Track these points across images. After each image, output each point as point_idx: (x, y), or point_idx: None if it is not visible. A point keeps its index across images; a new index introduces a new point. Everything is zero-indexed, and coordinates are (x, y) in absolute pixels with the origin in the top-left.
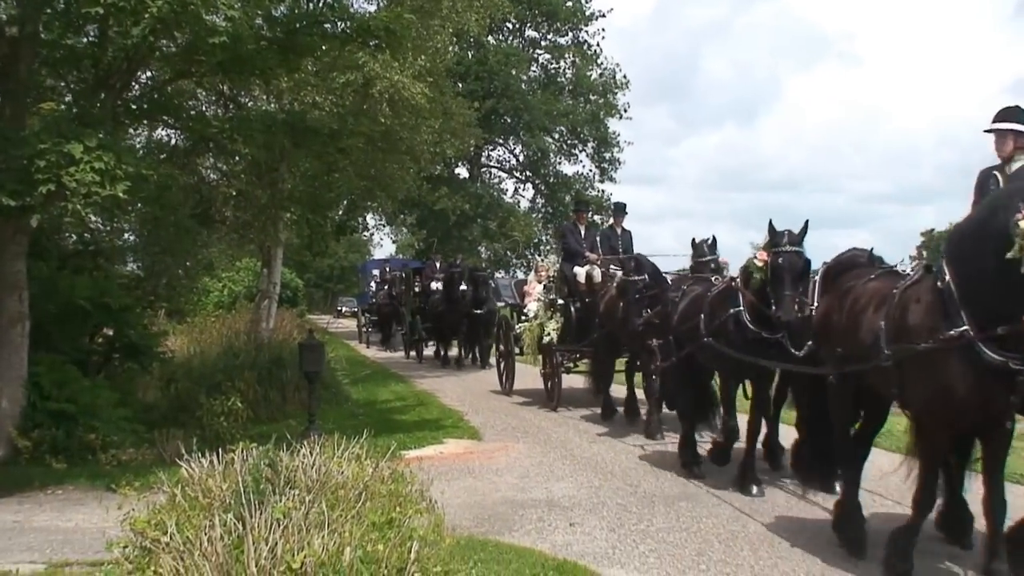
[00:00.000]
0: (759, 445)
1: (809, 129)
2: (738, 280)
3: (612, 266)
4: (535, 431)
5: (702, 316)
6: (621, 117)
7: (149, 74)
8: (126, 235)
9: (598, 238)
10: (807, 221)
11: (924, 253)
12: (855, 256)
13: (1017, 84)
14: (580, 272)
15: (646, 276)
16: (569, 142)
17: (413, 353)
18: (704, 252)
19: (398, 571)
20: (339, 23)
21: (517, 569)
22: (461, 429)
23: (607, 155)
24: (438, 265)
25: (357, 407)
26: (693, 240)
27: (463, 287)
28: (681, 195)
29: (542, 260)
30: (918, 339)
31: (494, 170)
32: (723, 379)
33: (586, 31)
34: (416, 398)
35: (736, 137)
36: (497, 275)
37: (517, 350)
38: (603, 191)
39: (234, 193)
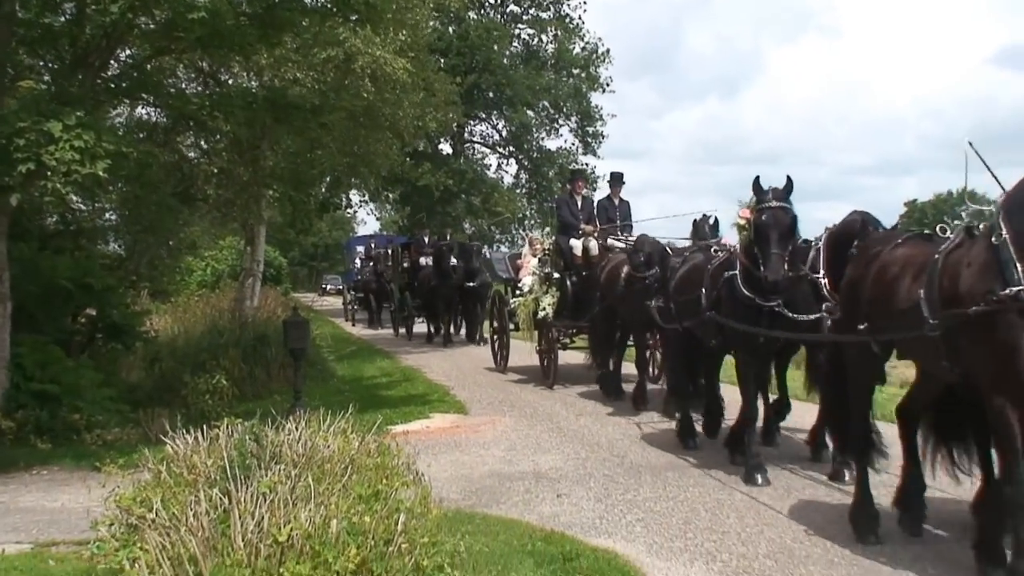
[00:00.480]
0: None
1: (791, 102)
2: (737, 250)
3: (610, 237)
4: (522, 405)
5: (703, 290)
6: (604, 91)
7: (128, 52)
8: (107, 215)
9: (595, 209)
10: (789, 177)
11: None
12: (853, 222)
13: (1000, 55)
14: (576, 245)
15: (656, 269)
16: (552, 116)
17: (403, 330)
18: (705, 233)
19: (385, 542)
20: None
21: (505, 540)
22: (447, 404)
23: (590, 129)
24: (426, 240)
25: (343, 383)
26: (694, 221)
27: (453, 261)
28: (664, 169)
29: (538, 233)
30: (972, 305)
31: (477, 146)
32: (737, 358)
33: (568, 4)
34: (402, 374)
35: (719, 110)
36: (489, 248)
37: (512, 326)
38: (586, 165)
39: (215, 171)
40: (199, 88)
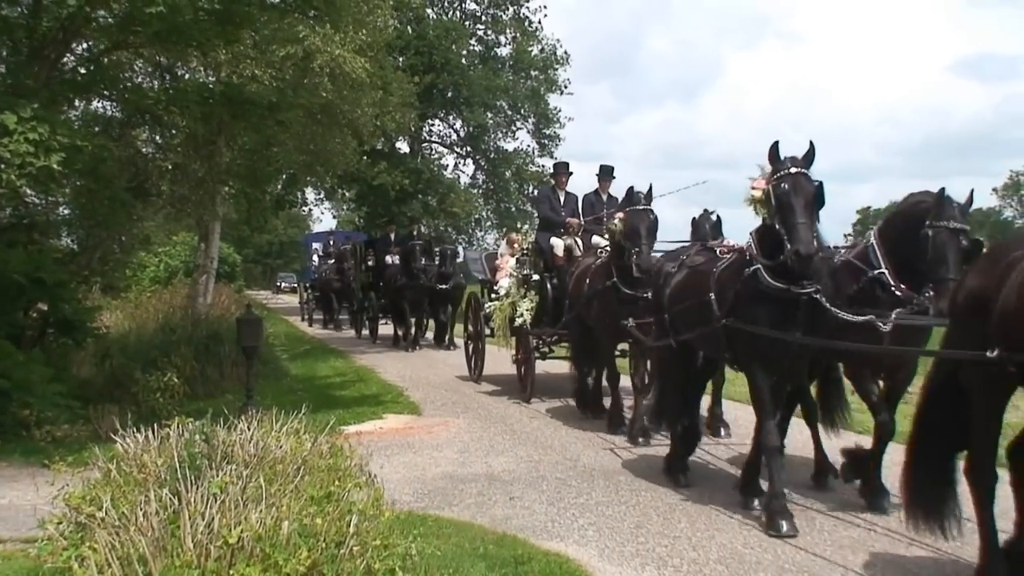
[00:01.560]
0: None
1: (750, 108)
2: (752, 244)
3: (596, 236)
4: (475, 406)
5: (712, 296)
6: (562, 93)
7: (85, 45)
8: (61, 209)
9: (580, 204)
10: (812, 143)
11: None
12: (919, 203)
13: (959, 64)
14: (558, 243)
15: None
16: (510, 118)
17: (366, 332)
18: (707, 233)
19: (336, 544)
20: None
21: (457, 543)
22: (401, 404)
23: (547, 131)
24: (392, 237)
25: (296, 383)
26: (693, 219)
27: (424, 261)
28: (622, 172)
29: (514, 232)
30: None
31: (435, 145)
32: (751, 372)
33: (527, 7)
34: (356, 374)
35: (677, 115)
36: (464, 248)
37: (488, 331)
38: (543, 167)
39: (170, 166)
40: (156, 83)
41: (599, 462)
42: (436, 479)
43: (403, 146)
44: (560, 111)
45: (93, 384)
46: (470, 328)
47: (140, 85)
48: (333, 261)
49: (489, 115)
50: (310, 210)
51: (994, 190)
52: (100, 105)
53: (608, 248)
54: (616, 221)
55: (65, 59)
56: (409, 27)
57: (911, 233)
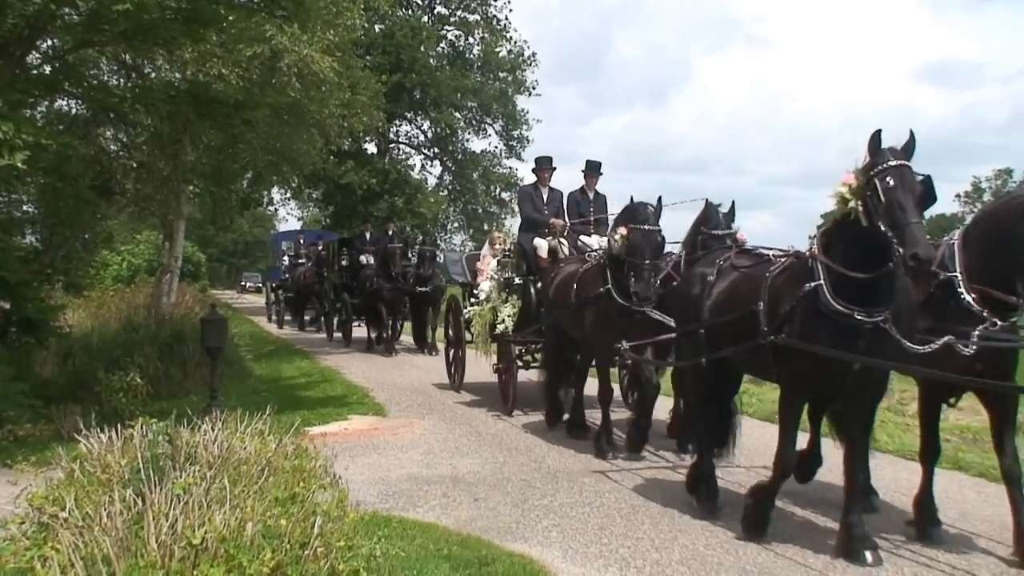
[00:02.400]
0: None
1: (717, 111)
2: (816, 249)
3: (583, 237)
4: (440, 408)
5: (760, 305)
6: (530, 94)
7: (51, 43)
8: (24, 207)
9: (565, 202)
10: (912, 132)
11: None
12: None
13: (925, 70)
14: (542, 244)
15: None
16: (478, 119)
17: (339, 335)
18: (718, 222)
19: (301, 546)
20: None
21: (421, 544)
22: (366, 405)
23: (515, 132)
24: (368, 236)
25: (260, 383)
26: (706, 206)
27: (403, 262)
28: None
29: (497, 230)
30: None
31: (402, 146)
32: (789, 394)
33: (495, 7)
34: (321, 374)
35: (645, 118)
36: (449, 248)
37: (468, 337)
38: (511, 168)
39: (135, 165)
40: (121, 80)
41: (564, 464)
42: (401, 480)
43: (370, 147)
44: (528, 112)
45: (56, 383)
46: (450, 334)
47: (106, 83)
48: (311, 261)
49: (457, 116)
50: (276, 209)
51: (957, 196)
52: (65, 103)
53: (600, 251)
54: (617, 236)
55: (30, 57)
56: (376, 26)
57: (1004, 236)
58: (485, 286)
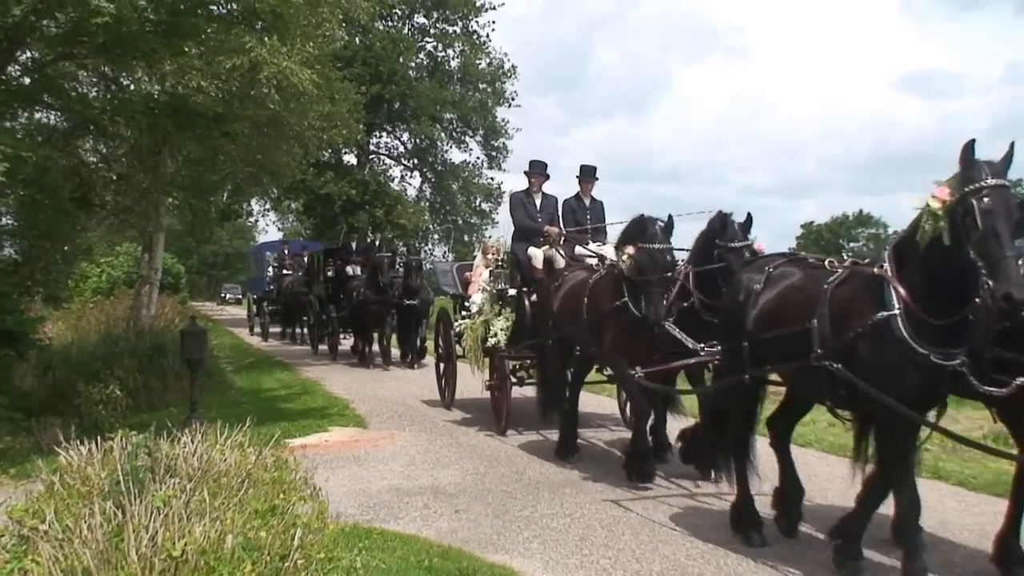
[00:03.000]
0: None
1: (697, 121)
2: (887, 265)
3: (579, 247)
4: (421, 419)
5: (814, 324)
6: (510, 105)
7: (30, 54)
8: (3, 219)
9: (559, 209)
10: (1013, 144)
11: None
12: None
13: (903, 80)
14: (536, 254)
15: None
16: (458, 130)
17: (324, 347)
18: (734, 234)
19: (281, 558)
20: (225, 4)
21: (402, 556)
22: (347, 417)
23: (496, 143)
24: (354, 246)
25: (241, 395)
26: (716, 216)
27: (391, 274)
28: (569, 185)
29: (489, 238)
30: None
31: (382, 157)
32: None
33: (476, 21)
34: (302, 386)
35: (625, 128)
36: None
37: (459, 351)
38: (492, 179)
39: (114, 177)
40: (101, 92)
41: (544, 475)
42: (382, 492)
43: (350, 158)
44: (508, 123)
45: (35, 396)
46: (440, 348)
47: (85, 95)
48: (301, 272)
49: (437, 127)
50: (256, 221)
51: None
52: (45, 115)
53: (609, 260)
54: (624, 256)
55: (9, 68)
56: (357, 38)
57: None
58: (477, 298)
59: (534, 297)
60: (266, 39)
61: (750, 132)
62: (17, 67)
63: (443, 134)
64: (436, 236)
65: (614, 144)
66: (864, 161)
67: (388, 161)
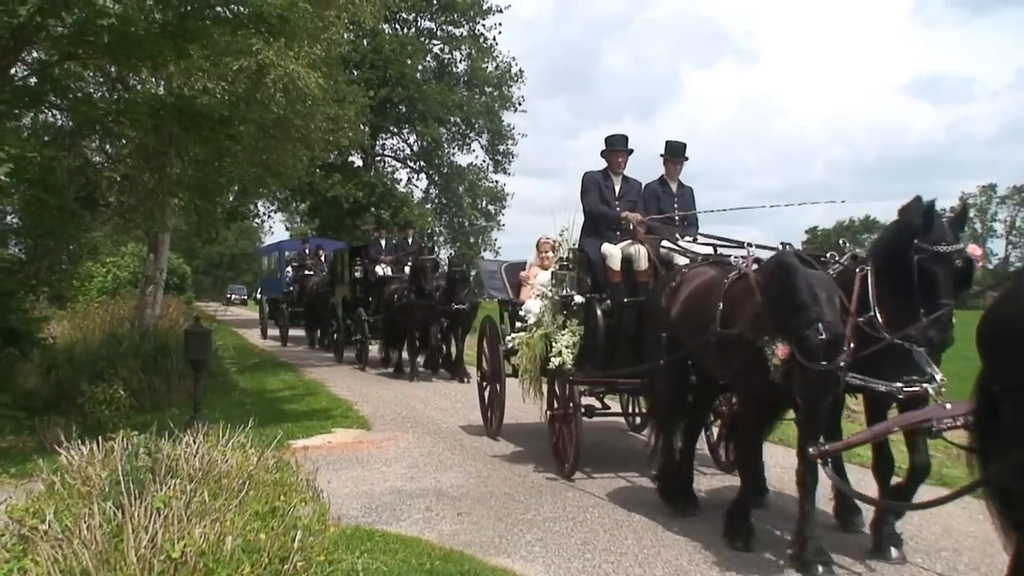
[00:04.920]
0: None
1: (706, 125)
2: None
3: (666, 242)
4: (425, 422)
5: None
6: (516, 110)
7: (35, 55)
8: (8, 218)
9: (642, 196)
10: None
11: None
12: None
13: (914, 83)
14: (613, 253)
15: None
16: (463, 133)
17: (347, 353)
18: (942, 233)
19: (280, 560)
20: (232, 7)
21: (403, 559)
22: (350, 419)
23: (501, 147)
24: (383, 244)
25: (245, 396)
26: (921, 207)
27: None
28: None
29: (558, 236)
30: None
31: (388, 159)
32: None
33: (483, 24)
34: (305, 387)
35: (634, 131)
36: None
37: (508, 369)
38: (497, 182)
39: (119, 177)
40: (107, 92)
41: (547, 478)
42: (384, 494)
43: (356, 159)
44: (514, 127)
45: (39, 395)
46: (484, 365)
47: (91, 95)
48: (326, 271)
49: (443, 130)
50: (262, 222)
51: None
52: (50, 115)
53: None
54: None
55: (15, 68)
56: (364, 41)
57: None
58: (533, 306)
59: (608, 304)
60: (272, 41)
61: (759, 136)
62: (23, 67)
63: (448, 137)
64: (442, 239)
65: None
66: (872, 166)
67: (394, 163)
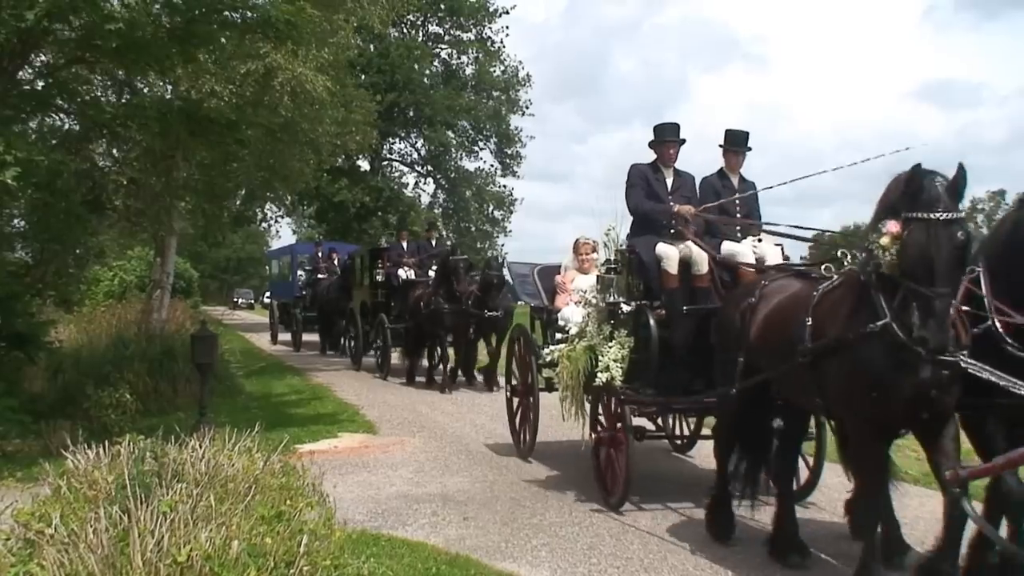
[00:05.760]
0: None
1: (714, 130)
2: None
3: (727, 240)
4: (431, 426)
5: None
6: (523, 114)
7: (43, 59)
8: (15, 221)
9: (697, 192)
10: None
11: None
12: None
13: (923, 89)
14: (669, 253)
15: None
16: (471, 138)
17: (363, 358)
18: None
19: (287, 564)
20: (240, 12)
21: (410, 563)
22: (357, 423)
23: (509, 151)
24: (405, 246)
25: (251, 400)
26: None
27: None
28: (585, 193)
29: (604, 235)
30: None
31: (396, 163)
32: None
33: (490, 28)
34: (312, 392)
35: (642, 136)
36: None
37: (541, 383)
38: (504, 186)
39: (126, 181)
40: (114, 96)
41: (554, 483)
42: (390, 498)
43: (364, 164)
44: (521, 131)
45: (45, 399)
46: (514, 379)
47: (98, 99)
48: (336, 275)
49: (451, 134)
50: (269, 226)
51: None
52: (57, 118)
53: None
54: (884, 239)
55: (22, 72)
56: (371, 45)
57: None
58: (573, 314)
59: (662, 313)
60: (280, 46)
61: (767, 141)
62: (30, 71)
63: (456, 142)
64: (449, 243)
65: (631, 151)
66: (880, 171)
67: (402, 167)
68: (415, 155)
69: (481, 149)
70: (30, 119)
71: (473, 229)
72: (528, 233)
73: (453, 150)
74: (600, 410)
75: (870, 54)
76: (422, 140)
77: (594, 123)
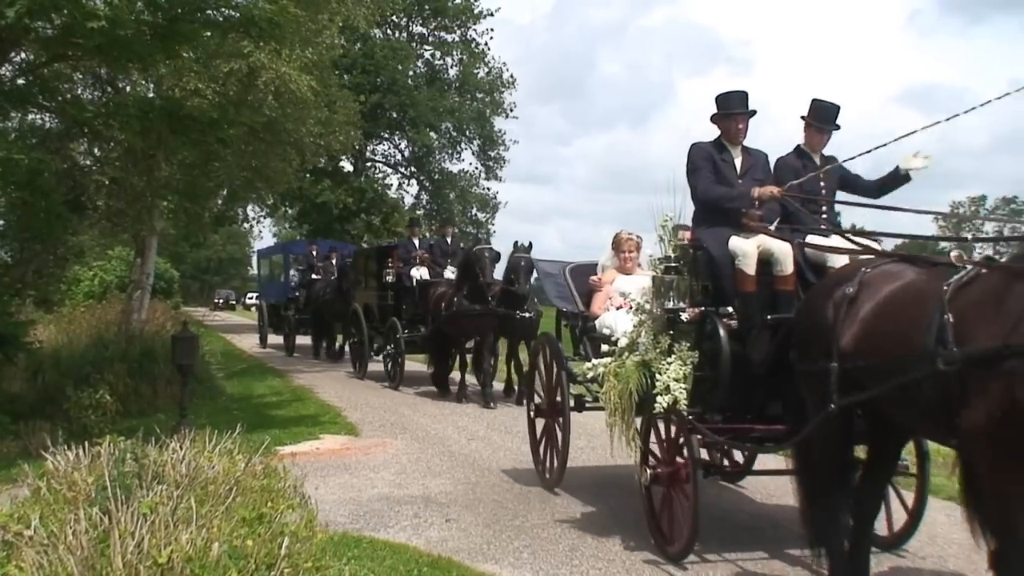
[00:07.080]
0: None
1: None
2: None
3: (811, 234)
4: (414, 428)
5: None
6: (507, 116)
7: (23, 56)
8: None
9: (774, 170)
10: None
11: None
12: None
13: (906, 93)
14: (746, 249)
15: None
16: (454, 139)
17: (366, 368)
18: None
19: (267, 566)
20: (222, 11)
21: (391, 565)
22: (339, 425)
23: (492, 153)
24: (417, 243)
25: (232, 402)
26: None
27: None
28: (569, 195)
29: (668, 226)
30: None
31: (379, 164)
32: None
33: (474, 29)
34: (293, 393)
35: (627, 138)
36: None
37: (571, 402)
38: (488, 189)
39: (107, 180)
40: (95, 94)
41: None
42: (372, 500)
43: (347, 165)
44: (505, 133)
45: (24, 399)
46: (540, 393)
47: (79, 97)
48: (332, 276)
49: (434, 136)
50: (251, 226)
51: (935, 219)
52: (38, 116)
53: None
54: None
55: (2, 70)
56: (356, 46)
57: None
58: (616, 322)
59: (733, 323)
60: (264, 44)
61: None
62: (10, 68)
63: (439, 142)
64: (432, 241)
65: (615, 154)
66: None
67: (385, 169)
68: (398, 156)
69: (463, 150)
70: (10, 117)
71: (456, 231)
72: (512, 235)
73: (436, 152)
74: (653, 439)
75: (855, 58)
76: (406, 141)
77: (579, 125)
